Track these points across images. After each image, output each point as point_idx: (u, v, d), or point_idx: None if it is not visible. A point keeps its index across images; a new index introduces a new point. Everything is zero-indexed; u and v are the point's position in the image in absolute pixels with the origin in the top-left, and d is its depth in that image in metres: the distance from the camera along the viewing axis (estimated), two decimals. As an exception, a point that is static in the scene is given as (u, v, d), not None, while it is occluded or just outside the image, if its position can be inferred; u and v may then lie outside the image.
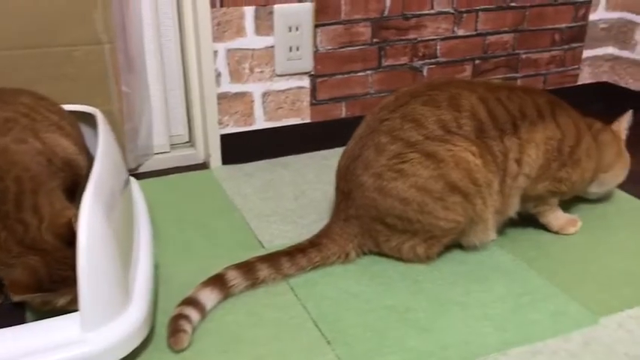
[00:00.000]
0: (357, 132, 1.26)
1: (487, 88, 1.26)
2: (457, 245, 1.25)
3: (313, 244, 1.21)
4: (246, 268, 1.14)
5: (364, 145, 1.20)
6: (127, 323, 0.94)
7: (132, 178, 1.42)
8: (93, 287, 0.91)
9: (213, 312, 1.09)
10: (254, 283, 1.14)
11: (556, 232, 1.33)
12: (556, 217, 1.34)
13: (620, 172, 1.42)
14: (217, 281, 1.11)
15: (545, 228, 1.34)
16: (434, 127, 1.17)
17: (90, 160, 1.18)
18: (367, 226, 1.20)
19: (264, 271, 1.14)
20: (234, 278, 1.12)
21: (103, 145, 1.14)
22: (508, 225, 1.33)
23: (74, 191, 1.11)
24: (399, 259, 1.22)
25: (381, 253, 1.24)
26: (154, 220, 1.38)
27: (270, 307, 1.10)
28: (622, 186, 1.52)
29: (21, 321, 1.04)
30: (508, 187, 1.22)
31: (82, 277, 0.89)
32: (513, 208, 1.26)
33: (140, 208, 1.30)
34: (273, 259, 1.16)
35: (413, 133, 1.17)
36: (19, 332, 0.94)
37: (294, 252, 1.19)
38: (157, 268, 1.20)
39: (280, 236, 1.33)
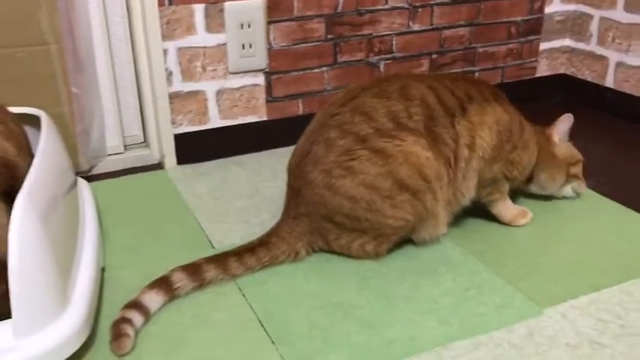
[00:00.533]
0: (308, 128, 1.25)
1: (434, 78, 1.29)
2: (408, 240, 1.25)
3: (262, 243, 1.20)
4: (193, 269, 1.12)
5: (314, 140, 1.19)
6: (63, 329, 0.92)
7: (82, 180, 1.40)
8: (25, 293, 0.89)
9: (157, 314, 1.07)
10: (201, 284, 1.12)
11: (507, 224, 1.34)
12: (507, 207, 1.34)
13: (556, 175, 1.40)
14: (162, 283, 1.09)
15: (496, 221, 1.35)
16: (384, 119, 1.17)
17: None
18: (317, 224, 1.20)
19: (211, 272, 1.13)
20: (180, 280, 1.10)
21: (44, 147, 1.12)
22: (459, 218, 1.34)
23: (13, 194, 1.09)
24: (349, 256, 1.22)
25: (331, 251, 1.23)
26: (103, 223, 1.37)
27: (216, 308, 1.09)
28: (574, 177, 1.54)
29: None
30: (462, 172, 1.23)
31: (13, 282, 0.87)
32: (469, 194, 1.26)
33: (88, 211, 1.28)
34: (220, 259, 1.15)
35: (363, 127, 1.17)
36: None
37: (242, 252, 1.17)
38: (102, 271, 1.19)
39: (232, 236, 1.32)
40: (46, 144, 1.14)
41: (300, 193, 1.20)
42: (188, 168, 1.65)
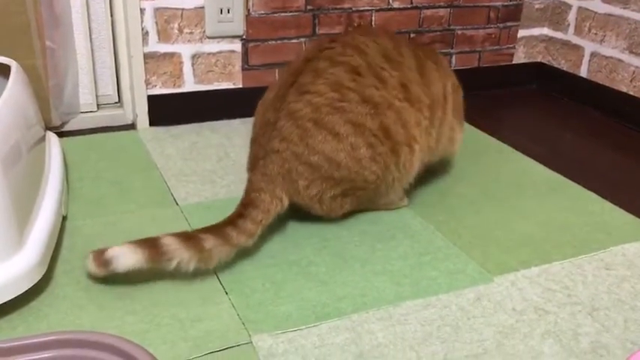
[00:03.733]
0: (290, 65, 1.20)
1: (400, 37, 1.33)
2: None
3: (246, 203, 1.10)
4: (191, 240, 1.02)
5: (301, 72, 1.15)
6: (17, 267, 0.93)
7: (52, 135, 1.40)
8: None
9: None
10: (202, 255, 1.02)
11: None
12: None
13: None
14: (153, 248, 0.99)
15: (459, 197, 1.37)
16: (376, 53, 1.17)
17: None
18: (289, 164, 1.11)
19: (209, 242, 1.02)
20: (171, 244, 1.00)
21: (9, 95, 1.12)
22: (422, 192, 1.36)
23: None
24: (314, 211, 1.19)
25: (297, 205, 1.18)
26: (71, 177, 1.38)
27: (173, 259, 1.10)
28: (541, 159, 1.57)
29: None
30: (439, 125, 1.27)
31: (-33, 216, 0.88)
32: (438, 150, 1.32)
33: (55, 164, 1.28)
34: (216, 230, 1.05)
35: (355, 58, 1.16)
36: None
37: (233, 219, 1.07)
38: (64, 219, 1.20)
39: (196, 195, 1.33)
40: (12, 93, 1.14)
41: (277, 125, 1.12)
42: (160, 130, 1.66)
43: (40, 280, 0.98)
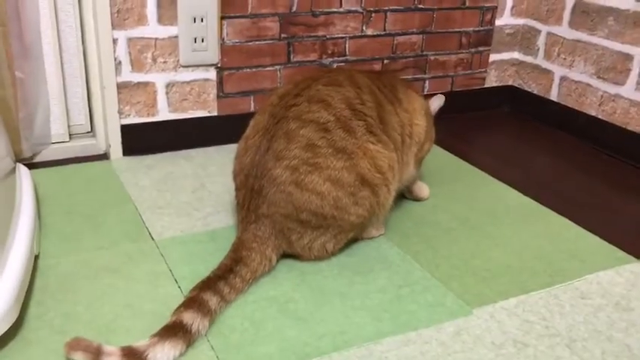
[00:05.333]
0: (258, 124, 1.22)
1: (364, 72, 1.35)
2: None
3: (236, 260, 1.11)
4: (197, 304, 1.00)
5: (272, 136, 1.16)
6: (-14, 314, 0.90)
7: (22, 167, 1.37)
8: (-53, 275, 0.87)
9: (91, 301, 1.06)
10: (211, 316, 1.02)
11: (422, 198, 1.48)
12: (420, 183, 1.48)
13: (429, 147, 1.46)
14: (185, 333, 0.96)
15: (434, 225, 1.38)
16: (341, 105, 1.18)
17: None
18: (280, 225, 1.15)
19: (213, 301, 1.02)
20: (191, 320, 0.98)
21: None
22: (398, 221, 1.37)
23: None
24: (307, 257, 1.20)
25: (291, 254, 1.20)
26: (42, 211, 1.35)
27: (150, 299, 1.08)
28: (514, 184, 1.59)
29: None
30: (405, 158, 1.30)
31: None
32: (404, 180, 1.35)
33: (25, 198, 1.25)
34: (211, 286, 1.05)
35: (322, 114, 1.16)
36: None
37: (224, 274, 1.08)
38: (36, 258, 1.17)
39: (172, 228, 1.32)
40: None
41: (262, 193, 1.15)
42: (134, 160, 1.64)
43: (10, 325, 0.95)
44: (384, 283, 1.16)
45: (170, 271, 1.17)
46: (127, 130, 1.63)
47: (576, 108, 1.94)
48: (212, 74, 1.68)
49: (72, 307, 1.05)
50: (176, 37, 1.60)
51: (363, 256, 1.25)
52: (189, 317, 0.97)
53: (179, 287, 1.12)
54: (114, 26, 1.52)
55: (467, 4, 1.96)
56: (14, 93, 1.50)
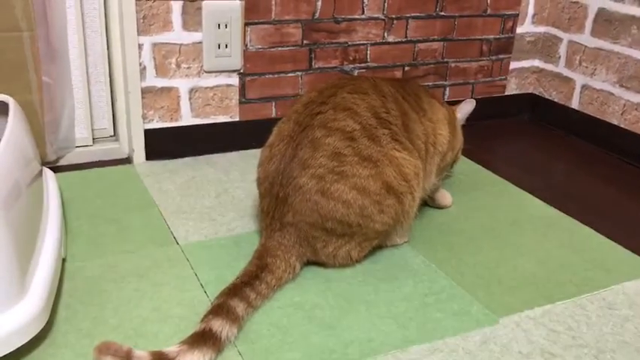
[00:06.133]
0: (283, 132, 1.21)
1: (388, 80, 1.35)
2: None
3: (261, 266, 1.11)
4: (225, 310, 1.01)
5: (298, 144, 1.16)
6: (20, 316, 0.91)
7: (48, 171, 1.38)
8: (-18, 278, 0.88)
9: (119, 306, 1.07)
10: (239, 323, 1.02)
11: (445, 206, 1.48)
12: (443, 191, 1.47)
13: (456, 156, 1.46)
14: (215, 340, 0.96)
15: (457, 233, 1.38)
16: (367, 114, 1.19)
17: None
18: (305, 233, 1.15)
19: (240, 307, 1.02)
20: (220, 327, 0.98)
21: (10, 134, 1.10)
22: (423, 229, 1.37)
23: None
24: (330, 264, 1.20)
25: (317, 262, 1.20)
26: (68, 215, 1.36)
27: (177, 304, 1.09)
28: (536, 192, 1.58)
29: None
30: (428, 167, 1.30)
31: (-30, 267, 0.86)
32: (427, 189, 1.35)
33: (52, 202, 1.27)
34: (238, 292, 1.05)
35: (348, 122, 1.16)
36: None
37: (250, 280, 1.08)
38: (63, 262, 1.18)
39: (196, 233, 1.32)
40: (12, 131, 1.13)
41: (287, 201, 1.15)
42: (157, 164, 1.65)
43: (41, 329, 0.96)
44: (409, 291, 1.16)
45: (196, 275, 1.17)
46: (150, 135, 1.64)
47: (598, 117, 1.93)
48: (235, 80, 1.69)
49: (100, 311, 1.06)
50: (200, 42, 1.61)
51: (387, 264, 1.25)
52: (218, 325, 0.97)
53: (205, 292, 1.13)
54: (139, 32, 1.54)
55: (488, 11, 1.95)
56: (40, 97, 1.51)
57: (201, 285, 1.15)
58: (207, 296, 1.11)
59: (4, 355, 0.90)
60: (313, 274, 1.20)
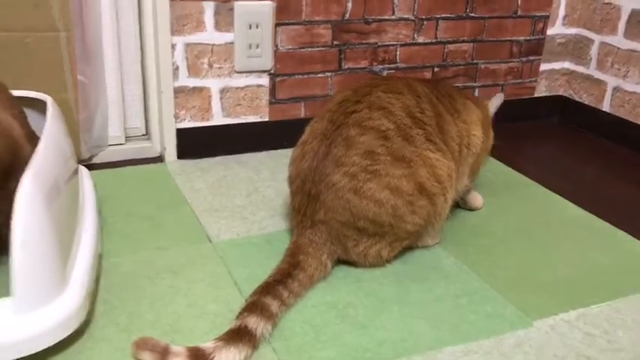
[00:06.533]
0: (316, 130, 1.21)
1: (418, 80, 1.35)
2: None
3: (293, 264, 1.12)
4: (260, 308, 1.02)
5: (332, 142, 1.16)
6: (62, 310, 0.93)
7: (83, 168, 1.41)
8: (27, 271, 0.90)
9: (155, 302, 1.08)
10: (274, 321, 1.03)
11: (476, 208, 1.47)
12: (474, 193, 1.47)
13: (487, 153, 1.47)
14: (250, 337, 0.97)
15: (489, 235, 1.37)
16: (402, 113, 1.19)
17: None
18: (336, 231, 1.15)
19: (274, 306, 1.03)
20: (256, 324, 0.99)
21: (50, 131, 1.13)
22: (454, 231, 1.36)
23: (14, 173, 1.09)
24: (362, 264, 1.21)
25: (347, 261, 1.21)
26: (102, 211, 1.38)
27: (211, 301, 1.10)
28: (566, 195, 1.57)
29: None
30: (461, 169, 1.30)
31: (17, 259, 0.88)
32: (463, 185, 1.35)
33: (88, 198, 1.29)
34: (271, 290, 1.06)
35: (383, 121, 1.17)
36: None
37: (283, 279, 1.08)
38: (100, 258, 1.20)
39: (228, 231, 1.33)
40: (52, 128, 1.15)
41: (319, 199, 1.15)
42: (188, 163, 1.66)
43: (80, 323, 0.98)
44: (441, 292, 1.16)
45: (229, 273, 1.19)
46: (181, 134, 1.66)
47: (630, 119, 1.90)
48: (265, 80, 1.70)
49: (136, 306, 1.08)
50: (232, 43, 1.63)
51: (418, 265, 1.25)
52: (253, 322, 0.98)
53: (239, 289, 1.14)
54: (173, 32, 1.56)
55: (519, 12, 1.94)
56: (75, 96, 1.54)
57: (235, 282, 1.16)
58: (241, 294, 1.12)
59: (46, 349, 0.92)
60: (345, 273, 1.20)
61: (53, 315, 0.92)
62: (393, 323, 1.06)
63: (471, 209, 1.47)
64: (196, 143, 1.68)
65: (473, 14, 1.88)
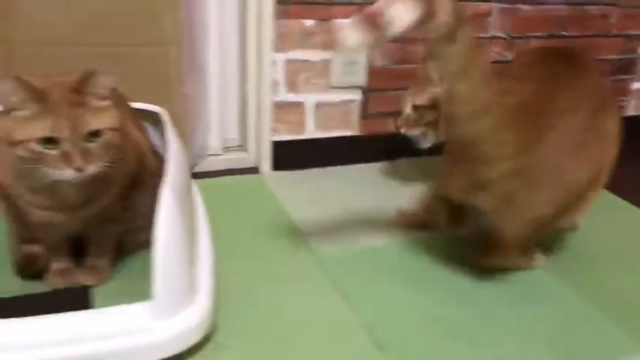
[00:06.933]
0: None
1: None
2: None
3: None
4: None
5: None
6: (193, 316, 0.98)
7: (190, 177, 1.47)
8: (166, 279, 0.95)
9: (268, 311, 1.13)
10: None
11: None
12: None
13: None
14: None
15: (593, 256, 1.36)
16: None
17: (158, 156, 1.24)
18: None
19: None
20: None
21: (173, 144, 1.19)
22: (559, 252, 1.36)
23: (139, 180, 1.15)
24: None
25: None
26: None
27: (324, 312, 1.14)
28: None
29: (86, 305, 1.09)
30: None
31: (158, 267, 0.94)
32: None
33: (199, 207, 1.35)
34: None
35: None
36: (88, 317, 0.99)
37: None
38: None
39: (329, 244, 1.37)
40: (174, 140, 1.21)
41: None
42: (283, 174, 1.71)
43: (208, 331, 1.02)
44: (551, 314, 1.16)
45: (336, 285, 1.21)
46: (277, 146, 1.71)
47: None
48: (357, 95, 1.74)
49: (252, 314, 1.11)
50: (329, 59, 1.67)
51: (527, 285, 1.24)
52: None
53: (347, 302, 1.16)
54: (275, 48, 1.61)
55: (613, 32, 1.92)
56: (181, 108, 1.60)
57: (343, 295, 1.19)
58: (350, 307, 1.15)
59: (175, 355, 0.97)
60: (454, 288, 1.21)
61: (186, 320, 0.97)
62: (505, 342, 1.07)
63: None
64: (290, 156, 1.72)
65: (565, 33, 1.87)
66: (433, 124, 1.52)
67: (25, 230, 1.14)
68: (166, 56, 1.55)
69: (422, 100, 1.51)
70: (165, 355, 0.95)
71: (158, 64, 1.55)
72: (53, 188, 0.99)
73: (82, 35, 1.48)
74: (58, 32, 1.46)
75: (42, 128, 0.91)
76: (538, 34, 1.84)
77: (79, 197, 1.02)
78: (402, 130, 1.53)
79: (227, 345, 1.04)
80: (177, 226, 0.98)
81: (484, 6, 1.76)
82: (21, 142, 0.91)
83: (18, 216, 1.09)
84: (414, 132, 1.53)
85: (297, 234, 1.40)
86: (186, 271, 0.99)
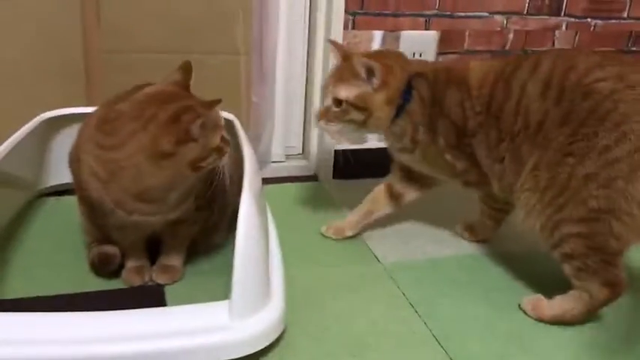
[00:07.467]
0: None
1: None
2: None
3: None
4: None
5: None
6: (270, 316, 1.00)
7: (253, 183, 1.50)
8: (245, 279, 0.97)
9: (337, 317, 1.14)
10: None
11: None
12: None
13: None
14: None
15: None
16: None
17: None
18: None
19: None
20: None
21: (248, 151, 1.22)
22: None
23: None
24: None
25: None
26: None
27: (392, 320, 1.14)
28: None
29: (161, 302, 1.13)
30: None
31: (238, 268, 0.96)
32: None
33: (267, 212, 1.37)
34: None
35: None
36: (167, 313, 1.02)
37: None
38: (282, 269, 1.27)
39: (394, 253, 1.37)
40: (248, 148, 1.24)
41: None
42: (343, 183, 1.73)
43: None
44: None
45: (404, 295, 1.22)
46: (337, 155, 1.73)
47: None
48: (421, 107, 1.74)
49: (321, 319, 1.13)
50: (392, 70, 1.68)
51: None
52: None
53: (416, 312, 1.17)
54: (342, 59, 1.63)
55: (683, 47, 1.88)
56: (248, 116, 1.64)
57: (411, 304, 1.19)
58: (419, 316, 1.15)
59: (248, 355, 0.98)
60: (516, 302, 1.20)
61: (263, 321, 0.99)
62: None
63: None
64: (350, 164, 1.73)
65: (634, 48, 1.84)
66: (360, 124, 1.31)
67: (100, 232, 1.18)
68: (236, 65, 1.60)
69: (349, 95, 1.26)
70: (242, 354, 0.97)
71: (229, 72, 1.60)
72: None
73: (155, 42, 1.54)
74: (141, 41, 1.52)
75: None
76: (606, 48, 1.82)
77: (178, 199, 1.06)
78: (321, 124, 1.30)
79: (298, 346, 1.05)
80: (256, 227, 1.00)
81: (553, 20, 1.75)
82: None
83: (95, 219, 1.13)
84: (331, 127, 1.30)
85: (361, 243, 1.42)
86: (263, 271, 1.01)
